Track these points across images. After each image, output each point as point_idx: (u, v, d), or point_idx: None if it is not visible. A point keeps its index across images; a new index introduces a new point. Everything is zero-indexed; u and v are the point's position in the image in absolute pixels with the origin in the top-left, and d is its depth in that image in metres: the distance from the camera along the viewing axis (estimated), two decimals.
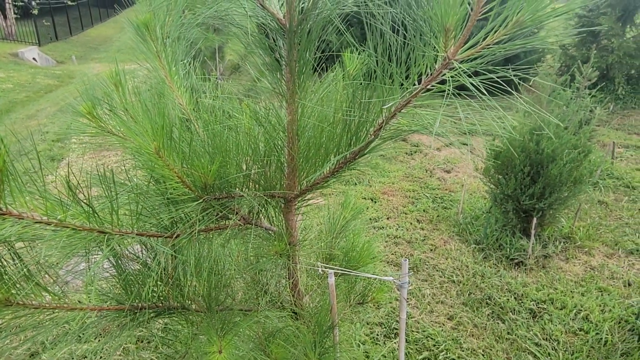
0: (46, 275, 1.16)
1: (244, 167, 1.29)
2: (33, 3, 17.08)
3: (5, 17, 16.85)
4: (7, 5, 16.70)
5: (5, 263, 0.98)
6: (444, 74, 0.89)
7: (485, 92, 0.86)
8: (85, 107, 1.28)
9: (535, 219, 3.79)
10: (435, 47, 0.88)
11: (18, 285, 1.01)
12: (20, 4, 17.38)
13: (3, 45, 16.02)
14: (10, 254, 0.98)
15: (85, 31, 20.61)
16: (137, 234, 1.18)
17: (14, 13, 17.09)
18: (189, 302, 1.41)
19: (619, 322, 3.10)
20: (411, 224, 4.60)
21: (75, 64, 15.74)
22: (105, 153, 6.60)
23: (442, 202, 5.06)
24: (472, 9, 0.81)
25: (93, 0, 22.09)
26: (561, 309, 3.27)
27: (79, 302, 1.23)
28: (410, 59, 0.89)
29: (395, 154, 6.55)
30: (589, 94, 4.29)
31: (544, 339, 2.99)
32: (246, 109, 1.44)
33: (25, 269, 1.09)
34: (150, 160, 1.02)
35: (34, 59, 15.36)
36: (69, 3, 18.92)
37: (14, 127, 8.68)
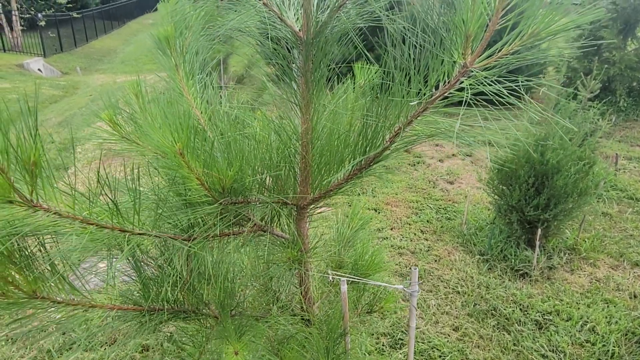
0: (69, 273, 1.18)
1: (259, 174, 1.32)
2: (39, 15, 17.29)
3: (12, 29, 17.06)
4: (13, 17, 16.93)
5: (33, 256, 1.01)
6: (462, 82, 0.92)
7: (504, 100, 0.89)
8: (106, 114, 1.32)
9: (539, 230, 3.80)
10: (452, 54, 0.91)
11: (44, 279, 1.04)
12: (27, 16, 17.60)
13: (9, 57, 16.19)
14: (39, 247, 1.01)
15: (90, 43, 20.83)
16: (155, 235, 1.20)
17: (21, 25, 17.30)
18: (203, 306, 1.43)
19: (626, 334, 3.10)
20: (415, 234, 4.61)
21: (80, 75, 15.88)
22: (111, 162, 6.63)
23: (445, 213, 5.07)
24: (490, 20, 0.84)
25: (97, 13, 22.37)
26: (567, 321, 3.27)
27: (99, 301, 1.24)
28: (429, 67, 0.92)
29: (398, 165, 6.57)
30: (595, 107, 4.33)
31: (550, 351, 2.98)
32: (261, 117, 1.48)
33: (50, 262, 1.11)
34: (173, 161, 1.05)
35: (39, 69, 15.51)
36: (74, 15, 19.14)
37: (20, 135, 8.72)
